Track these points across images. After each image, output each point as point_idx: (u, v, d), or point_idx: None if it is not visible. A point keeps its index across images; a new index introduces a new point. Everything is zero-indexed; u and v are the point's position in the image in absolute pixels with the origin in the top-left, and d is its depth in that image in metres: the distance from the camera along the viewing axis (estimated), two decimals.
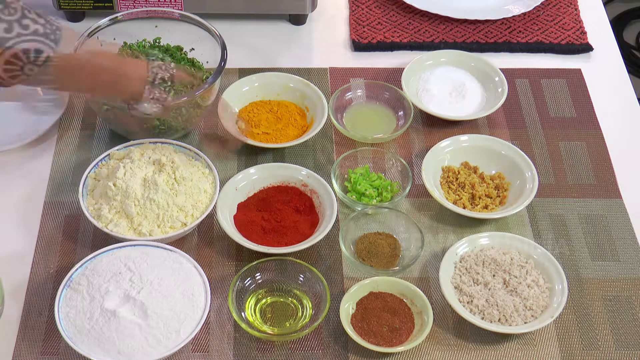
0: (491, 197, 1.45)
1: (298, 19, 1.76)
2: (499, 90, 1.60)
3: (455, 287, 1.32)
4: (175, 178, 1.37)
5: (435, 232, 1.42)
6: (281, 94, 1.58)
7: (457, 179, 1.47)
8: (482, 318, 1.29)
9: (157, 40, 1.57)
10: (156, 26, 1.58)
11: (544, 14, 1.78)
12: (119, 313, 1.21)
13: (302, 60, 1.70)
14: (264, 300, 1.32)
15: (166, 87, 1.36)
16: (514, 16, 1.77)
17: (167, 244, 1.32)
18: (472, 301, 1.30)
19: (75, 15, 1.73)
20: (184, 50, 1.58)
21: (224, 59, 1.49)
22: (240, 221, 1.39)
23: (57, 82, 1.29)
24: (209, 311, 1.28)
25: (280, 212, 1.40)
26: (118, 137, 1.50)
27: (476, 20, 1.76)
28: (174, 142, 1.44)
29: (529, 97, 1.64)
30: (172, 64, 1.40)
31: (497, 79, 1.61)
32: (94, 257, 1.29)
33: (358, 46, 1.72)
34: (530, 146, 1.55)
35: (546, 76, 1.67)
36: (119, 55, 1.47)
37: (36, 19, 1.19)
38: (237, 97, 1.56)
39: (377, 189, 1.45)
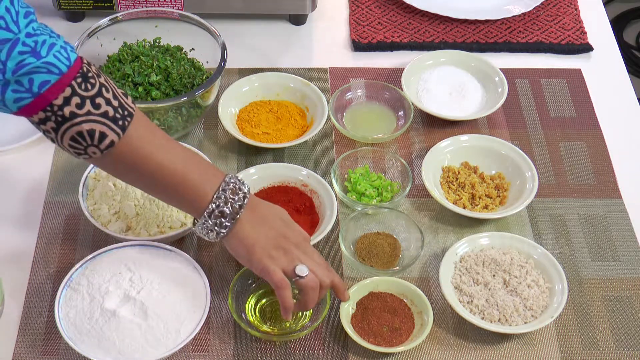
0: (491, 197, 1.45)
1: (298, 19, 1.76)
2: (499, 90, 1.60)
3: (455, 287, 1.32)
4: None
5: (435, 232, 1.42)
6: (281, 94, 1.58)
7: (457, 179, 1.47)
8: (482, 318, 1.29)
9: (157, 40, 1.57)
10: (156, 26, 1.58)
11: (544, 14, 1.78)
12: (119, 313, 1.21)
13: (302, 60, 1.70)
14: (264, 300, 1.32)
15: (223, 223, 1.20)
16: (514, 16, 1.77)
17: (167, 244, 1.32)
18: (472, 301, 1.30)
19: (75, 15, 1.73)
20: (184, 50, 1.58)
21: (224, 59, 1.49)
22: None
23: (117, 172, 1.22)
24: (209, 311, 1.28)
25: None
26: None
27: (476, 20, 1.76)
28: None
29: (529, 97, 1.64)
30: (245, 195, 1.20)
31: (497, 79, 1.61)
32: (94, 257, 1.29)
33: (358, 46, 1.72)
34: (530, 146, 1.55)
35: (546, 76, 1.67)
36: (195, 156, 1.23)
37: (111, 99, 1.14)
38: (237, 97, 1.56)
39: (377, 189, 1.45)
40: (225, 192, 1.19)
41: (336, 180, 1.44)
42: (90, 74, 1.13)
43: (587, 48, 1.73)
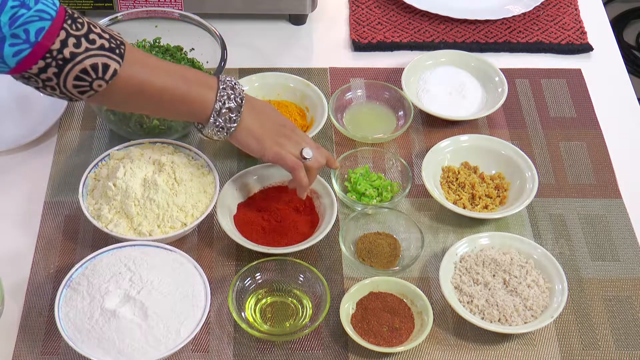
0: (491, 197, 1.45)
1: (298, 19, 1.76)
2: (499, 90, 1.60)
3: (455, 287, 1.32)
4: (175, 178, 1.37)
5: (435, 232, 1.42)
6: (281, 94, 1.58)
7: (457, 179, 1.47)
8: (482, 318, 1.29)
9: (157, 40, 1.57)
10: (156, 26, 1.58)
11: (544, 14, 1.79)
12: (119, 313, 1.21)
13: (302, 60, 1.70)
14: (264, 300, 1.32)
15: (231, 118, 1.30)
16: (514, 16, 1.77)
17: (167, 244, 1.32)
18: (472, 301, 1.30)
19: None
20: (184, 50, 1.58)
21: (224, 59, 1.49)
22: (240, 221, 1.39)
23: (122, 102, 1.28)
24: (209, 311, 1.28)
25: (280, 212, 1.40)
26: (118, 137, 1.50)
27: (476, 20, 1.76)
28: (174, 142, 1.44)
29: (529, 97, 1.64)
30: (242, 90, 1.32)
31: (497, 79, 1.61)
32: (94, 257, 1.29)
33: (358, 46, 1.72)
34: (530, 146, 1.55)
35: (546, 76, 1.68)
36: (186, 68, 1.34)
37: (101, 33, 1.20)
38: None
39: (377, 189, 1.45)
40: (226, 90, 1.30)
41: (336, 180, 1.44)
42: (75, 15, 1.19)
43: (587, 48, 1.73)
